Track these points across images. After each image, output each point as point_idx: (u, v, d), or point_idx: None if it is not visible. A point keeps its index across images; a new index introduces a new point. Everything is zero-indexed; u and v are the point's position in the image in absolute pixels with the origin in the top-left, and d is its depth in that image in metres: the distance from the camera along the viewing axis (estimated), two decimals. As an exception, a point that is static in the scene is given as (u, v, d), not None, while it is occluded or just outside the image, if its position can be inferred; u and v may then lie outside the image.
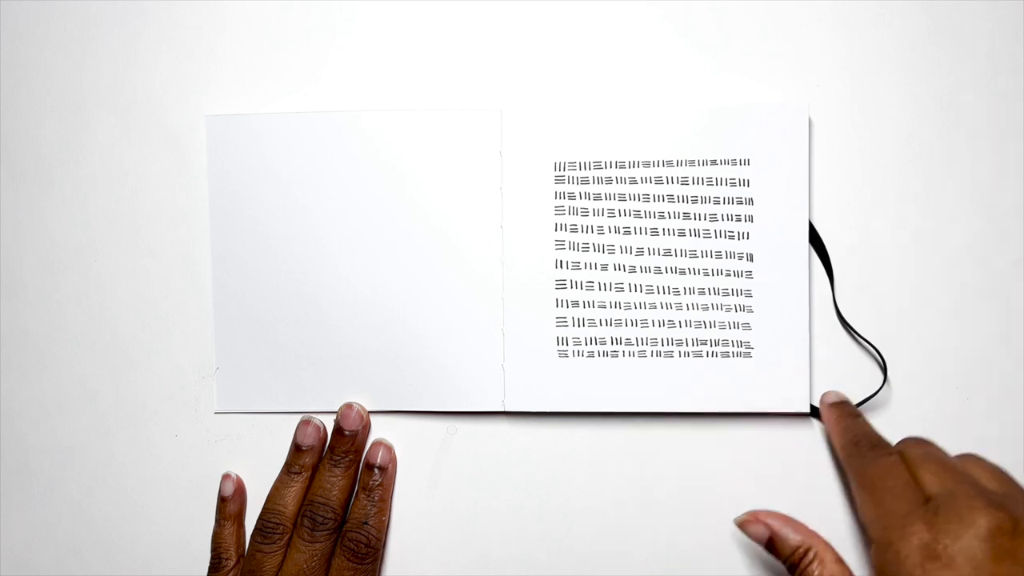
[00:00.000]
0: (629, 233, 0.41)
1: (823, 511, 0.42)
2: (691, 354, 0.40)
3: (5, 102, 0.44)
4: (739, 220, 0.40)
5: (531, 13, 0.42)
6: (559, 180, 0.41)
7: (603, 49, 0.42)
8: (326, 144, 0.42)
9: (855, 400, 0.41)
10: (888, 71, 0.41)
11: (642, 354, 0.41)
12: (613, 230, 0.41)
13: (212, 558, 0.42)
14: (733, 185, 0.40)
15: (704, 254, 0.40)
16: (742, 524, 0.38)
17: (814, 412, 0.41)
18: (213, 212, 0.42)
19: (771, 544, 0.37)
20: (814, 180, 0.41)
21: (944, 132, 0.41)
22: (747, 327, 0.40)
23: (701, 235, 0.40)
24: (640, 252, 0.41)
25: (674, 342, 0.40)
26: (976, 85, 0.41)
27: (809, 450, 0.42)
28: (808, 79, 0.41)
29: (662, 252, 0.41)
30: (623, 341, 0.41)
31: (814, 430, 0.42)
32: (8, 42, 0.44)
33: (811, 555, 0.36)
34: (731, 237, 0.40)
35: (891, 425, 0.41)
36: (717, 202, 0.40)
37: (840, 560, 0.36)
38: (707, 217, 0.40)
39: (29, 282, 0.44)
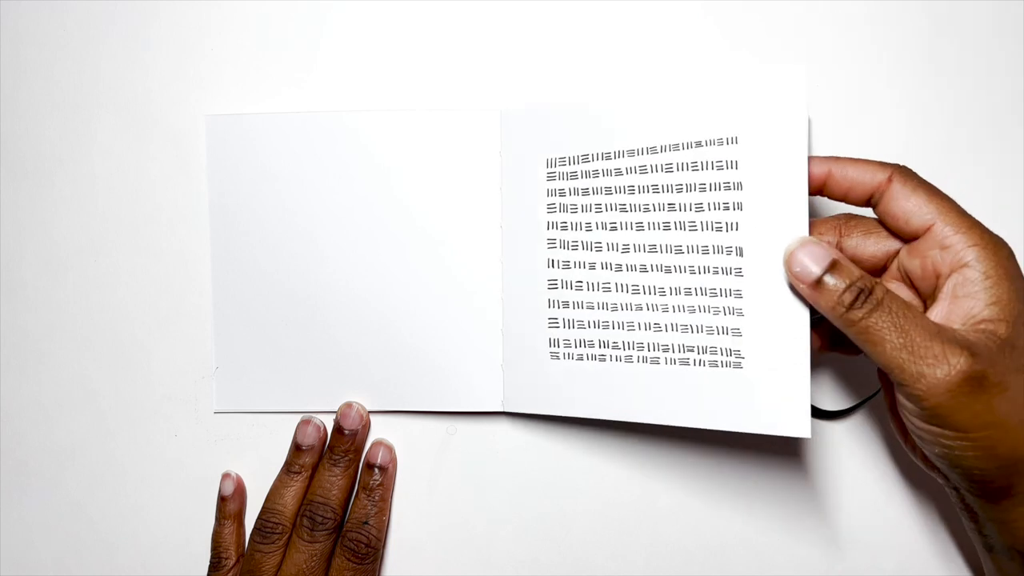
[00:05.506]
0: (615, 229, 0.38)
1: (824, 513, 0.42)
2: (678, 361, 0.36)
3: (5, 102, 0.44)
4: (727, 209, 0.35)
5: (529, 13, 0.42)
6: (551, 177, 0.40)
7: (602, 49, 0.42)
8: (325, 144, 0.42)
9: (854, 401, 0.41)
10: (888, 71, 0.41)
11: (628, 359, 0.37)
12: (600, 226, 0.38)
13: (212, 558, 0.42)
14: (720, 168, 0.35)
15: (690, 249, 0.36)
16: (789, 260, 0.33)
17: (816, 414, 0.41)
18: (213, 212, 0.42)
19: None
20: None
21: (944, 131, 0.41)
22: (737, 333, 0.35)
23: (687, 228, 0.36)
24: (626, 249, 0.37)
25: (660, 347, 0.37)
26: (976, 85, 0.41)
27: (809, 453, 0.42)
28: (808, 83, 0.41)
29: (647, 248, 0.37)
30: (610, 344, 0.38)
31: (814, 435, 0.42)
32: (8, 42, 0.44)
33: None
34: (719, 229, 0.35)
35: (890, 427, 0.41)
36: (703, 189, 0.35)
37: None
38: (692, 207, 0.36)
39: (29, 282, 0.44)
